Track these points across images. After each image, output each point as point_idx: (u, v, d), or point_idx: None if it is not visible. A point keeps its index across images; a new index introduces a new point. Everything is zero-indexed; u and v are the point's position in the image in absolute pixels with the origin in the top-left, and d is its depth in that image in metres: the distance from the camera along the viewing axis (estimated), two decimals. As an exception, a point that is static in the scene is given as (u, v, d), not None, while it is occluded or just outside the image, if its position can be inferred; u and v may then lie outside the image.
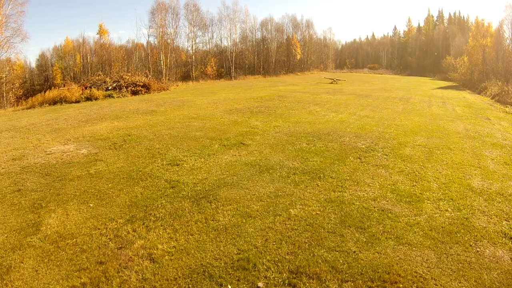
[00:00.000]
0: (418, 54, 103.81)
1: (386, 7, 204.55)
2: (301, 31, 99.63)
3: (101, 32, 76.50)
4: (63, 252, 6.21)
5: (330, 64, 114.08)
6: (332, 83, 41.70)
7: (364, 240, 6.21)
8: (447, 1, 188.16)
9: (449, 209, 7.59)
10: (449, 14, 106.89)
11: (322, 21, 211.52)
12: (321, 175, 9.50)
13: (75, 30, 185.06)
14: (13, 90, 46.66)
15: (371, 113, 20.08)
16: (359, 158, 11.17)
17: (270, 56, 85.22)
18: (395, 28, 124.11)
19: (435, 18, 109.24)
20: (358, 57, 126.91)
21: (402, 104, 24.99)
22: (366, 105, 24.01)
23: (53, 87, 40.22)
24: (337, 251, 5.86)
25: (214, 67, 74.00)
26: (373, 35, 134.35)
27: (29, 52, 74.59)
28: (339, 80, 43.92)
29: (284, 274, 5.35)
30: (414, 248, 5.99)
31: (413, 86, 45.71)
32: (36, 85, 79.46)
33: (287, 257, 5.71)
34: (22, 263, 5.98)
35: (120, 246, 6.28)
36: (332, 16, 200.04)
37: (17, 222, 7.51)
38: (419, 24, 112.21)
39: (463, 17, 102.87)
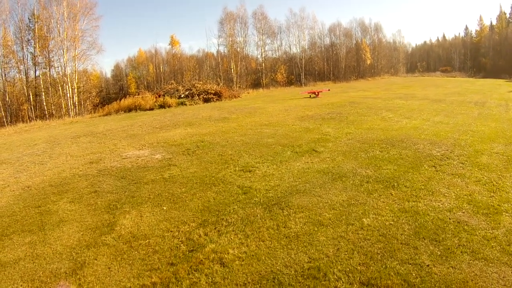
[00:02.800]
0: (492, 55, 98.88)
1: (456, 6, 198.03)
2: (369, 35, 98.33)
3: (172, 43, 79.43)
4: (136, 252, 6.46)
5: (401, 68, 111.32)
6: (311, 97, 37.19)
7: (439, 253, 5.94)
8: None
9: (529, 223, 7.11)
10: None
11: (390, 23, 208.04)
12: (395, 184, 9.23)
13: (147, 41, 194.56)
14: (90, 98, 49.51)
15: (446, 119, 19.31)
16: (434, 166, 10.73)
17: (340, 61, 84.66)
18: (466, 28, 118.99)
19: (507, 15, 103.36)
20: (430, 60, 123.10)
21: (478, 109, 23.86)
22: (440, 110, 23.11)
23: (127, 96, 42.34)
24: (410, 264, 5.65)
25: (284, 74, 74.61)
26: (443, 36, 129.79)
27: (105, 63, 79.10)
28: (320, 91, 39.74)
29: (355, 286, 5.22)
30: (490, 264, 5.64)
31: (488, 89, 43.62)
32: (111, 94, 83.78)
33: (358, 267, 5.60)
34: (96, 260, 6.29)
35: (192, 249, 6.42)
36: (400, 18, 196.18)
37: (93, 221, 7.93)
38: (491, 23, 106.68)
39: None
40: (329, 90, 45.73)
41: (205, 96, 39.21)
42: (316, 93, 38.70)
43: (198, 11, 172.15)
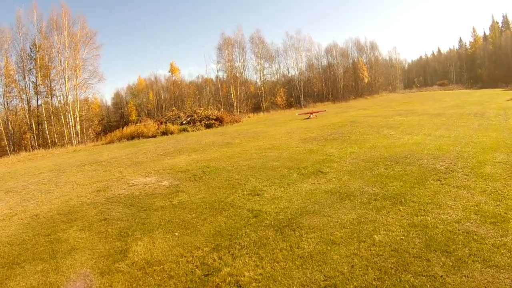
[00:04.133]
0: (488, 65, 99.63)
1: (448, 19, 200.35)
2: (366, 53, 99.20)
3: (172, 70, 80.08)
4: (151, 278, 6.51)
5: (399, 85, 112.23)
6: (308, 118, 39.00)
7: (451, 264, 6.03)
8: (511, 5, 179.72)
9: (537, 228, 7.20)
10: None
11: (385, 41, 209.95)
12: (402, 200, 9.32)
13: (147, 69, 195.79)
14: (92, 126, 49.72)
15: (447, 132, 19.50)
16: (439, 180, 10.84)
17: (338, 81, 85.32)
18: (460, 40, 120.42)
19: (500, 24, 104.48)
20: (426, 75, 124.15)
21: (477, 120, 24.11)
22: (440, 124, 23.37)
23: (129, 123, 42.75)
24: (424, 276, 5.73)
25: (283, 97, 74.94)
26: (438, 50, 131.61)
27: (105, 92, 79.73)
28: (316, 112, 42.41)
29: (372, 300, 5.32)
30: (502, 270, 5.74)
31: (487, 100, 44.04)
32: (112, 122, 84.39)
33: (374, 283, 5.67)
34: (111, 287, 6.35)
35: (207, 273, 6.46)
36: (395, 35, 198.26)
37: (105, 249, 7.99)
38: (484, 33, 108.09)
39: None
40: (325, 111, 46.21)
41: (206, 122, 39.65)
42: (310, 114, 40.23)
43: (196, 38, 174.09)
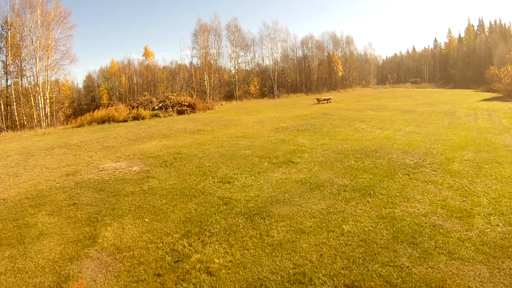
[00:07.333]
0: (461, 66, 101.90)
1: (425, 19, 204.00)
2: (341, 47, 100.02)
3: (146, 54, 78.92)
4: (121, 264, 6.42)
5: (372, 80, 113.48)
6: (317, 104, 42.26)
7: (417, 255, 6.18)
8: (487, 9, 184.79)
9: (500, 224, 7.42)
10: (490, 22, 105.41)
11: (362, 36, 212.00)
12: (371, 192, 9.50)
13: (120, 52, 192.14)
14: (63, 109, 48.50)
15: (417, 129, 19.91)
16: (407, 174, 11.09)
17: (312, 73, 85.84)
18: (435, 40, 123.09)
19: (475, 28, 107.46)
20: (400, 72, 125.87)
21: (448, 119, 24.67)
22: (411, 120, 23.84)
23: (100, 107, 41.84)
24: (391, 266, 5.86)
25: (257, 86, 75.10)
26: (413, 48, 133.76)
27: (77, 74, 78.61)
28: (329, 99, 47.03)
29: (340, 288, 5.41)
30: (466, 263, 5.92)
31: (458, 99, 45.04)
32: (83, 105, 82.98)
33: (342, 271, 5.76)
34: (80, 273, 6.21)
35: (177, 259, 6.44)
36: (371, 31, 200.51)
37: (74, 234, 7.81)
38: (459, 35, 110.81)
39: (504, 24, 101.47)
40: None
41: (179, 108, 39.30)
42: (326, 100, 45.32)
43: (171, 22, 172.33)
